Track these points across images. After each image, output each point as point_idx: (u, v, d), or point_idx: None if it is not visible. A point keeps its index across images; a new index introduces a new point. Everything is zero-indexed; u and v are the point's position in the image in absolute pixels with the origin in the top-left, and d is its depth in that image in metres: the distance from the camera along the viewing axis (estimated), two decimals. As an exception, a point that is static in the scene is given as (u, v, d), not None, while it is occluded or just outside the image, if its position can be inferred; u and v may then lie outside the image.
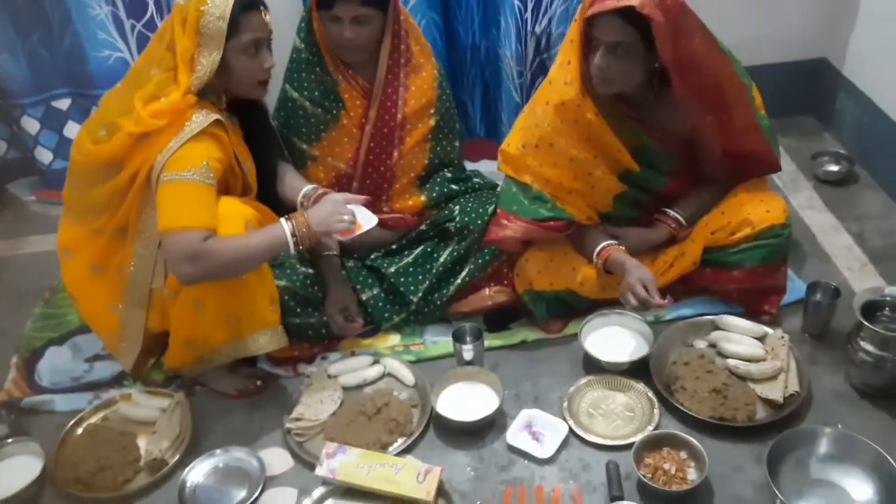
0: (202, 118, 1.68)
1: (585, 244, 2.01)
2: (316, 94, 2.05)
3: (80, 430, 1.88)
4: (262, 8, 1.74)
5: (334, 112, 2.07)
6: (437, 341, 2.08)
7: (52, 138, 2.73)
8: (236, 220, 1.71)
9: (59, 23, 2.52)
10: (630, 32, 1.73)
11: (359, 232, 1.77)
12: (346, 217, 1.73)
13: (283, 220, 1.72)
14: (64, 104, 2.69)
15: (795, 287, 2.09)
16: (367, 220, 1.80)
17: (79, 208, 1.86)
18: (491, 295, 2.12)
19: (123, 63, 2.58)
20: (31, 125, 2.68)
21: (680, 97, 1.84)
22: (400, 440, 1.80)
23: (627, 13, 1.69)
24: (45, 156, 2.75)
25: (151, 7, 2.55)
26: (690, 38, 1.77)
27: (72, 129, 2.73)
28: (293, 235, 1.69)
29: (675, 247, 2.04)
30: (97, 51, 2.56)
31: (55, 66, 2.61)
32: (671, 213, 2.05)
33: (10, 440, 1.84)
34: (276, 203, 1.94)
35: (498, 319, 2.12)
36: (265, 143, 1.94)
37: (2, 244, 2.71)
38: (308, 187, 1.95)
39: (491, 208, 2.11)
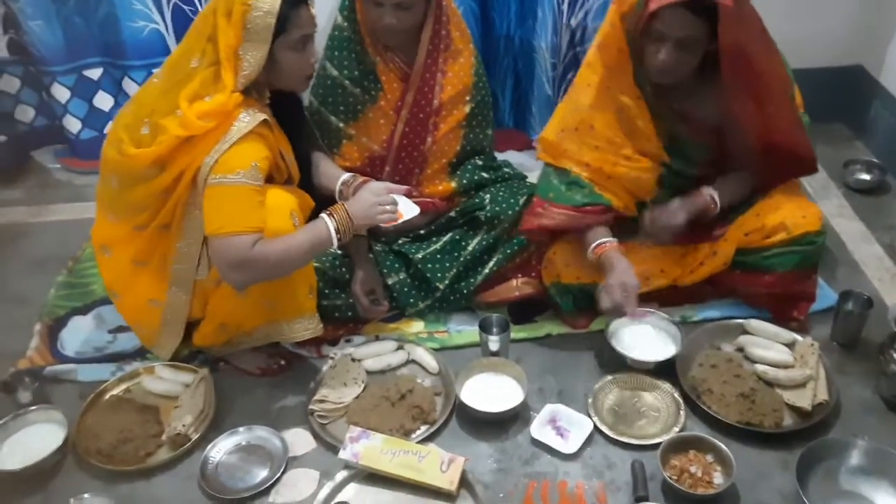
0: (249, 118, 1.63)
1: (587, 237, 1.96)
2: (356, 73, 2.03)
3: (102, 402, 1.88)
4: (309, 2, 1.68)
5: (372, 92, 2.06)
6: (462, 330, 2.08)
7: (82, 107, 2.71)
8: (282, 211, 1.69)
9: (96, -10, 2.51)
10: (699, 24, 1.71)
11: (400, 221, 1.76)
12: (388, 207, 1.72)
13: (324, 215, 1.69)
14: (95, 74, 2.68)
15: (824, 295, 2.07)
16: (408, 210, 1.78)
17: (116, 208, 1.82)
18: (518, 286, 2.11)
19: (157, 35, 2.57)
20: (61, 93, 2.66)
21: (727, 82, 1.81)
22: (423, 428, 1.80)
23: (694, 4, 1.66)
24: (73, 124, 2.74)
25: (189, -21, 2.54)
26: (750, 23, 1.74)
27: (102, 100, 2.72)
28: (336, 232, 1.67)
29: (707, 245, 2.02)
30: (132, 21, 2.55)
31: (89, 34, 2.59)
32: (706, 190, 1.97)
33: (33, 408, 1.84)
34: (309, 189, 1.92)
35: (523, 312, 2.11)
36: (300, 130, 1.91)
37: (25, 211, 2.71)
38: (346, 175, 1.93)
39: (522, 199, 2.10)
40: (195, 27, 1.68)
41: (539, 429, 1.77)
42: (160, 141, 1.64)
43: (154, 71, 1.90)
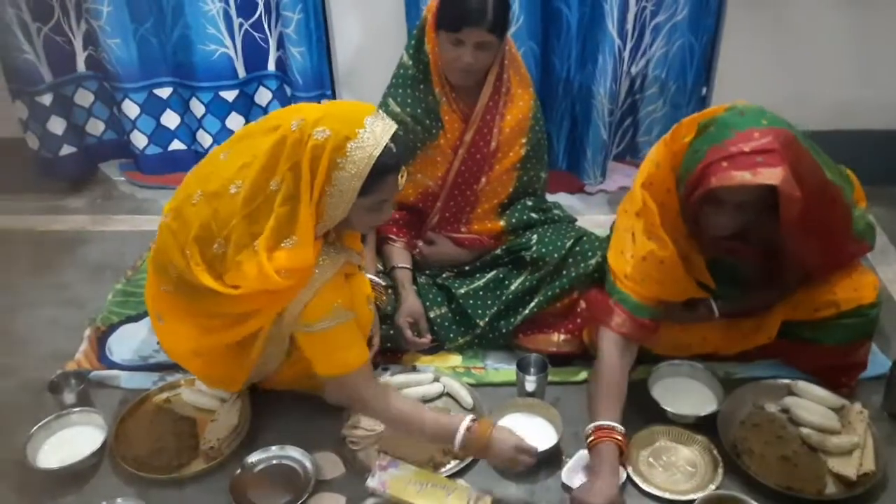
0: (329, 264, 1.59)
1: (597, 403, 1.77)
2: (418, 111, 2.06)
3: (142, 410, 1.92)
4: (401, 170, 1.56)
5: (433, 131, 2.08)
6: (499, 368, 2.07)
7: (150, 124, 2.82)
8: (363, 301, 1.78)
9: (173, 13, 2.62)
10: (760, 192, 1.58)
11: None
12: (525, 463, 1.67)
13: (467, 423, 1.64)
14: (165, 93, 2.78)
15: (878, 361, 2.00)
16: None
17: (184, 310, 1.70)
18: (558, 343, 2.08)
19: (227, 59, 2.68)
20: (131, 109, 2.77)
21: (786, 235, 1.70)
22: (453, 462, 1.78)
23: None
24: (140, 140, 2.84)
25: (261, 7, 2.64)
26: (810, 183, 1.63)
27: (169, 118, 2.83)
28: (461, 444, 1.64)
29: (752, 320, 1.96)
30: (204, 44, 2.66)
31: (163, 54, 2.71)
32: (712, 303, 1.92)
33: (76, 409, 1.89)
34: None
35: (562, 354, 2.09)
36: None
37: (89, 219, 2.81)
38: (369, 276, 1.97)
39: (569, 242, 2.08)
40: (276, 146, 1.50)
41: (570, 474, 1.74)
42: (237, 283, 1.55)
43: (218, 145, 1.71)
